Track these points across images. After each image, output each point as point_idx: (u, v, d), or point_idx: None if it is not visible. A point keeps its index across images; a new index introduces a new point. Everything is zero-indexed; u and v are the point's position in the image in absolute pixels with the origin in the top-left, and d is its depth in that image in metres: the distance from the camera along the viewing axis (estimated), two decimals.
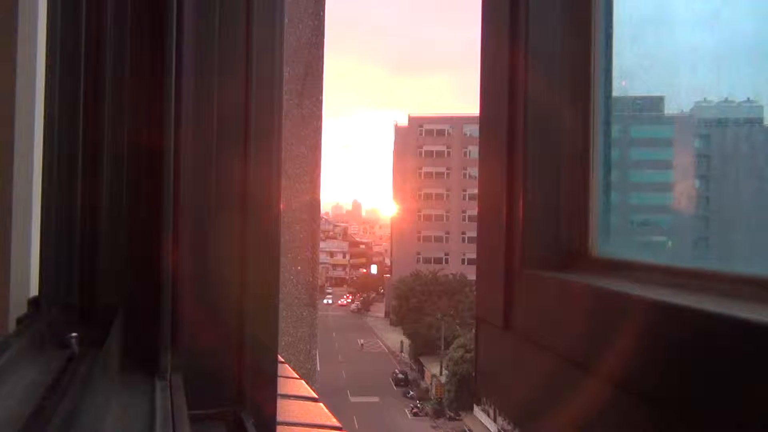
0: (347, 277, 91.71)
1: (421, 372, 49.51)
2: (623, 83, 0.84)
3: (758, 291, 0.54)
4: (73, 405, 0.86)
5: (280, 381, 1.60)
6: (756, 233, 0.64)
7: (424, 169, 67.61)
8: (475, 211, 1.08)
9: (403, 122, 71.00)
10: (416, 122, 68.76)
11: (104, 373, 1.13)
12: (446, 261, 63.25)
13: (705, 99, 0.68)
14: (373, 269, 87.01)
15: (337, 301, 74.98)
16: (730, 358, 0.48)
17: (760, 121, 0.61)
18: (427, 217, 67.49)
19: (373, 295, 78.01)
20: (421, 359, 49.17)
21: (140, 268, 1.37)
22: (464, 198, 64.21)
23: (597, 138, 0.84)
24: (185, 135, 1.37)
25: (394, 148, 73.72)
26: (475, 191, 1.04)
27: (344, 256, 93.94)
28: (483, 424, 38.35)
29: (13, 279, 1.36)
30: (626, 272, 0.74)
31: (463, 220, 63.49)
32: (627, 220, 0.91)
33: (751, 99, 0.62)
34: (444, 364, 42.77)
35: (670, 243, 0.86)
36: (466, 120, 64.33)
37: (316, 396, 2.24)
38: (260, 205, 1.44)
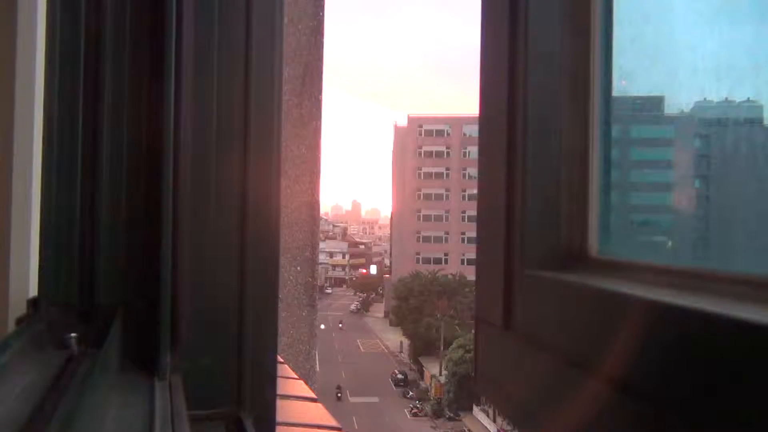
0: (346, 278, 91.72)
1: (421, 372, 49.53)
2: (623, 83, 0.84)
3: (758, 291, 0.54)
4: (73, 405, 0.85)
5: (280, 381, 1.60)
6: (756, 233, 0.64)
7: (424, 170, 67.67)
8: (474, 212, 1.08)
9: (403, 122, 71.08)
10: (415, 122, 68.84)
11: (103, 374, 1.13)
12: (446, 261, 63.30)
13: (705, 99, 0.68)
14: (373, 269, 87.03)
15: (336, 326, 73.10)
16: (730, 358, 0.48)
17: (760, 121, 0.61)
18: (427, 218, 67.55)
19: (373, 295, 78.01)
20: (421, 359, 49.20)
21: (139, 269, 1.37)
22: (464, 198, 64.26)
23: (596, 138, 0.84)
24: (185, 135, 1.37)
25: (394, 149, 73.78)
26: (475, 191, 1.04)
27: (343, 257, 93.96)
28: (482, 424, 38.36)
29: (13, 279, 1.36)
30: (626, 272, 0.74)
31: (463, 220, 63.54)
32: (627, 220, 0.91)
33: (751, 99, 0.62)
34: (443, 365, 42.81)
35: (670, 243, 0.86)
36: (466, 120, 64.43)
37: (315, 396, 2.24)
38: (259, 205, 1.44)
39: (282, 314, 4.18)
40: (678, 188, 0.82)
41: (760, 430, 0.45)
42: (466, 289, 45.79)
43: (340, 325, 59.84)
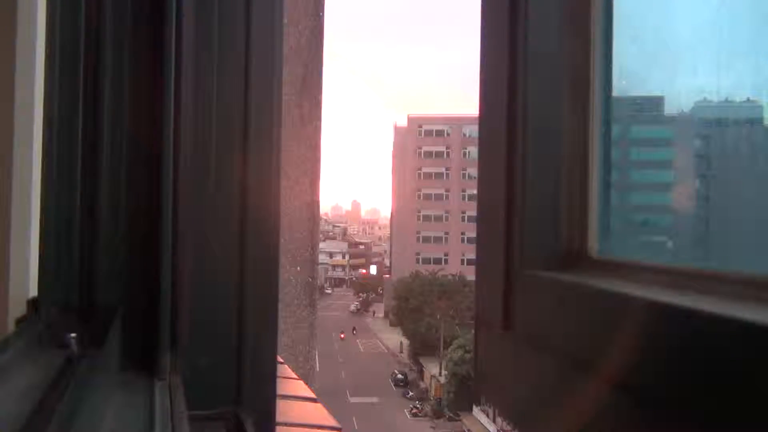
0: (346, 278, 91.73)
1: (421, 372, 49.52)
2: (623, 83, 0.84)
3: (758, 292, 0.54)
4: (73, 405, 0.85)
5: (280, 381, 1.60)
6: (756, 233, 0.64)
7: (424, 170, 67.66)
8: (474, 212, 1.08)
9: (403, 123, 71.07)
10: (415, 122, 68.82)
11: (103, 374, 1.13)
12: (445, 261, 63.27)
13: (705, 99, 0.68)
14: (373, 270, 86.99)
15: None
16: (730, 359, 0.48)
17: (760, 121, 0.61)
18: (427, 218, 67.53)
19: (373, 295, 77.98)
20: (421, 360, 49.18)
21: (139, 269, 1.37)
22: (463, 198, 64.26)
23: (596, 138, 0.84)
24: (184, 135, 1.37)
25: (394, 149, 73.81)
26: (475, 191, 1.04)
27: (343, 257, 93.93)
28: (482, 424, 38.35)
29: (12, 280, 1.35)
30: (626, 273, 0.74)
31: (463, 220, 63.52)
32: (627, 220, 0.91)
33: (751, 99, 0.62)
34: (443, 365, 42.79)
35: (670, 243, 0.86)
36: (466, 120, 64.42)
37: (314, 396, 2.24)
38: (259, 205, 1.44)
39: (282, 314, 4.18)
40: (678, 188, 0.82)
41: (760, 430, 0.45)
42: (466, 289, 45.75)
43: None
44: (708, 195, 0.76)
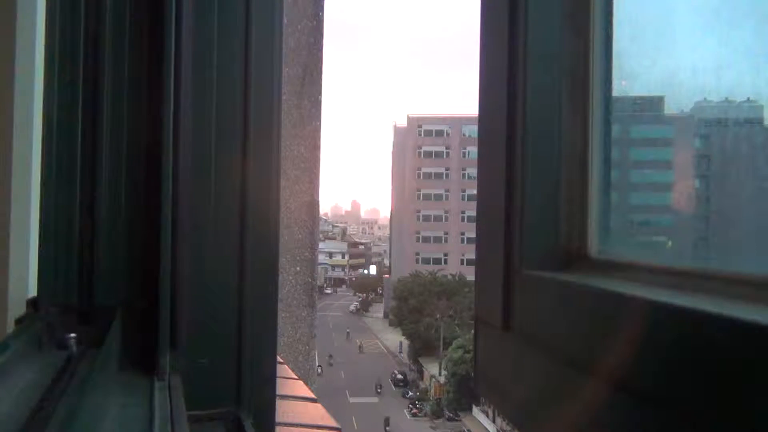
0: (346, 278, 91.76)
1: (420, 373, 49.56)
2: (623, 83, 0.84)
3: (758, 292, 0.54)
4: (72, 405, 0.85)
5: (279, 381, 1.60)
6: (756, 233, 0.64)
7: (423, 170, 67.70)
8: (474, 212, 1.08)
9: (402, 122, 71.07)
10: (415, 122, 68.84)
11: (103, 374, 1.13)
12: (445, 261, 63.33)
13: (705, 99, 0.68)
14: (372, 270, 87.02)
15: None
16: (730, 358, 0.48)
17: (760, 121, 0.61)
18: (426, 218, 67.55)
19: (372, 295, 77.95)
20: (420, 360, 49.22)
21: (139, 269, 1.37)
22: (463, 198, 64.30)
23: (596, 138, 0.84)
24: (184, 136, 1.37)
25: (393, 149, 73.84)
26: (474, 191, 1.04)
27: (343, 257, 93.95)
28: (482, 424, 38.37)
29: (12, 280, 1.36)
30: (625, 273, 0.74)
31: (462, 220, 63.58)
32: (626, 220, 0.91)
33: (751, 99, 0.62)
34: (443, 365, 42.81)
35: (669, 243, 0.86)
36: (465, 120, 64.48)
37: (314, 396, 2.24)
38: (259, 205, 1.44)
39: (282, 314, 4.18)
40: (678, 188, 0.82)
41: (760, 430, 0.45)
42: (466, 290, 45.79)
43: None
44: (708, 195, 0.76)
